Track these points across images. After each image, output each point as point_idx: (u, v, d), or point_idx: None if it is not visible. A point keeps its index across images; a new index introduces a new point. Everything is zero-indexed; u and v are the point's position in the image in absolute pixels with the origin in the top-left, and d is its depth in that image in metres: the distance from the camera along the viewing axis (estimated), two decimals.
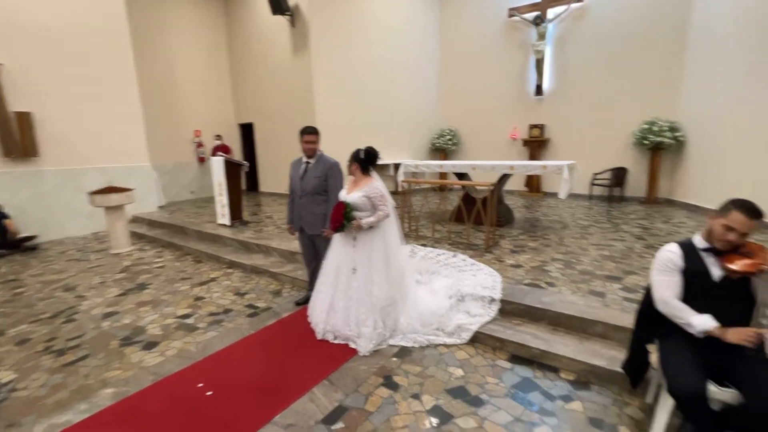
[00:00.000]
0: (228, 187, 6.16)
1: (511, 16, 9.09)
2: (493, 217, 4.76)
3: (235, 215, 6.32)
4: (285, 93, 9.25)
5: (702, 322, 1.76)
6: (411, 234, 5.30)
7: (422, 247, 4.55)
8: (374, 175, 3.01)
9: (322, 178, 3.24)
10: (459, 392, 2.39)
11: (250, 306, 3.77)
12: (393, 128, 9.86)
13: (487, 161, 6.00)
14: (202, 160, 10.17)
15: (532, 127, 9.14)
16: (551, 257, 4.26)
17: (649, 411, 2.14)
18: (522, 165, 5.43)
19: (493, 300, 3.22)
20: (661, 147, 7.43)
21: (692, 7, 7.14)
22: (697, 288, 1.85)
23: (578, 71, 8.53)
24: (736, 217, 1.75)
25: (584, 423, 2.12)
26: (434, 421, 2.15)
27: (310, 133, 3.27)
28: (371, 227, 2.93)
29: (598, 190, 8.34)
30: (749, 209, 1.73)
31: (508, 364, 2.68)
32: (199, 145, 10.14)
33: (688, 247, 1.93)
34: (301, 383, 2.51)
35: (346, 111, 9.01)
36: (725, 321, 1.75)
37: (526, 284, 3.49)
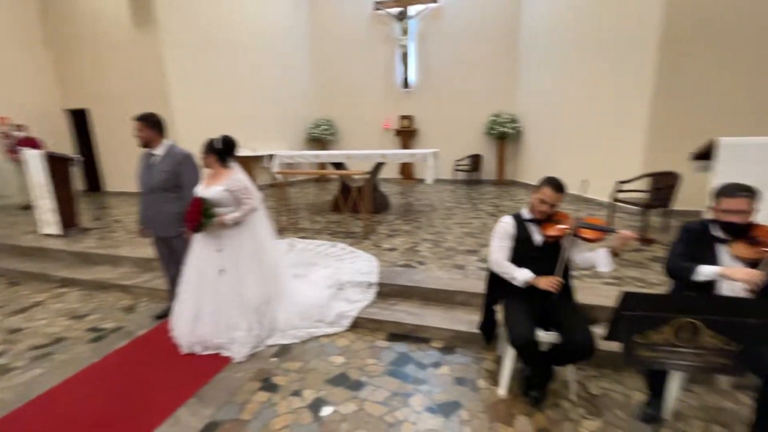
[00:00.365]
0: (55, 187, 4.96)
1: (376, 9, 9.41)
2: (370, 205, 4.92)
3: (69, 222, 5.15)
4: (129, 75, 7.85)
5: (522, 275, 2.14)
6: (290, 227, 5.12)
7: (301, 240, 4.44)
8: (234, 166, 2.77)
9: (171, 173, 2.84)
10: (340, 379, 2.42)
11: (94, 329, 3.14)
12: (267, 119, 9.33)
13: (361, 151, 6.15)
14: (12, 153, 7.94)
15: (403, 117, 9.74)
16: (422, 238, 4.62)
17: (500, 361, 2.50)
18: (393, 154, 5.73)
19: (370, 284, 3.33)
20: (505, 136, 8.73)
21: (521, 10, 8.47)
22: (524, 250, 2.23)
23: (438, 66, 9.36)
24: (546, 192, 2.15)
25: (451, 383, 2.37)
26: (315, 413, 2.13)
27: (137, 119, 2.80)
28: (237, 223, 2.71)
29: (460, 175, 9.40)
30: (555, 185, 2.14)
31: (386, 343, 2.82)
32: (5, 136, 7.90)
33: (518, 218, 2.30)
34: (163, 407, 2.19)
35: (209, 98, 8.13)
36: (546, 267, 2.14)
37: (400, 265, 3.71)
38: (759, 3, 4.83)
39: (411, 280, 3.35)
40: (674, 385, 2.04)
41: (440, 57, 9.25)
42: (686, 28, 5.06)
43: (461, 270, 3.56)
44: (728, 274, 1.75)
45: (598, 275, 3.36)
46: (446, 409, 2.16)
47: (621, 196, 4.83)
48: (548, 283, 2.09)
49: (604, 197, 5.04)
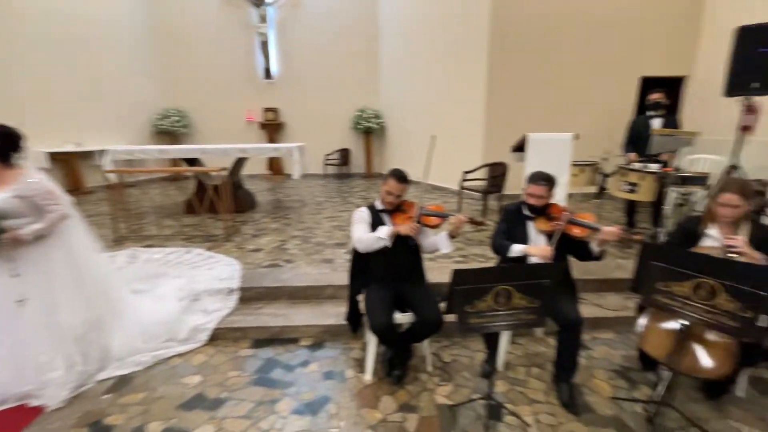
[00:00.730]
0: None
1: None
2: (230, 204, 4.53)
3: None
4: None
5: (383, 231, 2.21)
6: (132, 235, 4.35)
7: (147, 249, 3.82)
8: (27, 165, 2.18)
9: None
10: (195, 401, 2.16)
11: None
12: (95, 109, 7.68)
13: (218, 145, 5.60)
14: None
15: (267, 110, 9.24)
16: (291, 235, 4.48)
17: (366, 348, 2.59)
18: (254, 148, 5.38)
19: (231, 290, 3.07)
20: (370, 131, 9.09)
21: (378, 9, 8.85)
22: None
23: (302, 57, 9.14)
24: (391, 183, 2.29)
25: (320, 380, 2.36)
26: None
27: None
28: (42, 236, 2.15)
29: (330, 169, 9.44)
30: (399, 176, 2.30)
31: (250, 351, 2.64)
32: None
33: (372, 209, 2.40)
34: None
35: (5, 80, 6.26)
36: (398, 255, 2.29)
37: (266, 266, 3.52)
38: (566, 18, 6.05)
39: (277, 280, 3.21)
40: (504, 342, 2.44)
41: (303, 48, 9.05)
42: (507, 36, 6.03)
43: (330, 264, 3.57)
44: (529, 251, 2.23)
45: (449, 255, 3.78)
46: (314, 406, 2.13)
47: (466, 184, 5.54)
48: (408, 228, 2.19)
49: (455, 185, 5.70)
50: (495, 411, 2.08)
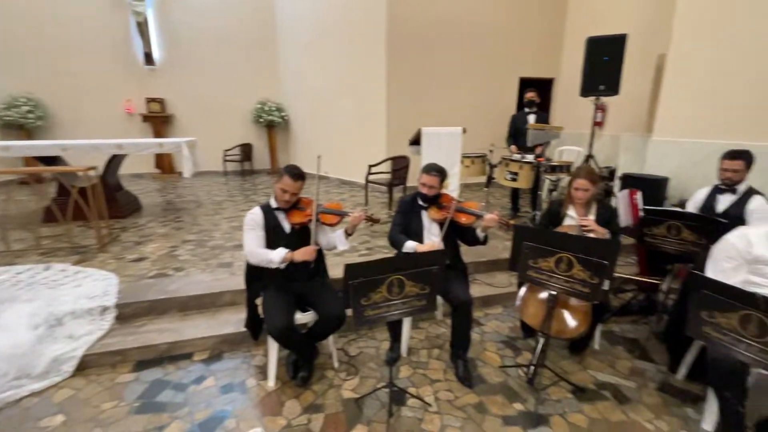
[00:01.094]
0: None
1: None
2: (103, 209, 3.91)
3: None
4: None
5: (277, 255, 2.13)
6: None
7: None
8: None
9: None
10: None
11: None
12: None
13: (86, 140, 4.79)
14: None
15: (150, 100, 8.18)
16: (183, 240, 4.06)
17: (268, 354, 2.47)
18: (133, 144, 4.73)
19: (106, 309, 2.66)
20: (273, 124, 8.67)
21: (274, 2, 8.43)
22: (276, 238, 2.23)
23: (192, 43, 8.26)
24: (286, 181, 2.19)
25: (217, 395, 2.17)
26: None
27: None
28: None
29: (231, 166, 8.78)
30: (293, 174, 2.21)
31: (131, 376, 2.32)
32: None
33: (266, 208, 2.27)
34: None
35: None
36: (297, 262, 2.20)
37: (151, 277, 3.12)
38: (454, 23, 6.45)
39: (165, 291, 2.87)
40: (406, 329, 2.54)
41: (192, 32, 8.16)
42: (402, 36, 6.24)
43: (228, 268, 3.32)
44: (419, 249, 2.32)
45: (356, 249, 3.81)
46: (210, 425, 1.96)
47: (372, 177, 5.64)
48: (304, 254, 2.14)
49: (361, 179, 5.75)
50: (398, 396, 2.15)
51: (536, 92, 4.80)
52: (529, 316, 2.36)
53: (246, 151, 8.78)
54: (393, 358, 2.47)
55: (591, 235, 2.29)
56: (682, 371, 2.32)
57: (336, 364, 2.43)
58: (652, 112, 4.88)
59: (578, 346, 2.57)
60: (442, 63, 6.62)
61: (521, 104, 5.44)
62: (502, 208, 5.29)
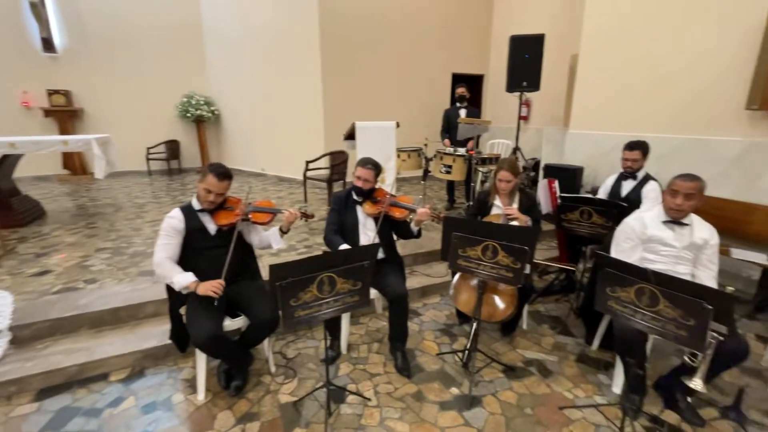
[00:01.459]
0: None
1: None
2: None
3: None
4: None
5: (181, 280, 1.95)
6: None
7: None
8: None
9: None
10: None
11: None
12: None
13: None
14: None
15: (53, 92, 7.23)
16: (96, 248, 3.65)
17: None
18: (31, 142, 4.15)
19: None
20: (202, 119, 8.11)
21: None
22: (198, 241, 2.08)
23: (102, 29, 7.41)
24: (211, 180, 2.04)
25: (137, 416, 1.98)
26: None
27: None
28: None
29: (156, 165, 8.08)
30: (219, 172, 2.06)
31: (32, 407, 2.04)
32: None
33: (188, 210, 2.10)
34: None
35: None
36: (224, 255, 2.03)
37: (56, 292, 2.77)
38: (387, 20, 6.46)
39: (73, 307, 2.56)
40: (345, 325, 2.51)
41: (100, 17, 7.28)
42: (336, 31, 6.14)
43: (151, 276, 3.04)
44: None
45: (294, 248, 3.70)
46: None
47: (310, 174, 5.51)
48: (207, 289, 1.91)
49: (300, 176, 5.59)
50: (337, 395, 2.13)
51: (466, 87, 4.98)
52: (461, 303, 2.45)
53: (172, 148, 8.13)
54: (332, 357, 2.44)
55: (515, 222, 2.43)
56: (596, 342, 2.57)
57: (273, 369, 2.34)
58: (568, 107, 5.31)
59: (508, 327, 2.73)
60: (378, 58, 6.63)
61: (454, 99, 5.63)
62: (440, 200, 5.46)
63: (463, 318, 2.87)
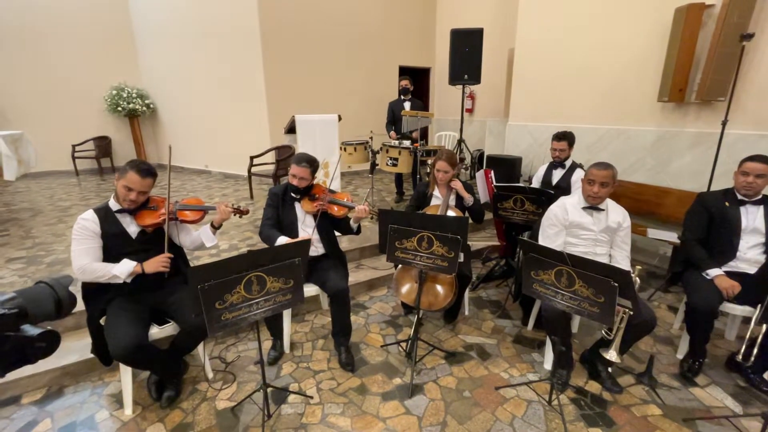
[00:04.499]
0: None
1: None
2: None
3: None
4: None
5: (123, 268, 1.85)
6: None
7: None
8: None
9: None
10: None
11: None
12: None
13: None
14: None
15: None
16: (8, 258, 3.29)
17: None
18: None
19: None
20: (136, 114, 7.53)
21: None
22: (119, 245, 1.93)
23: (7, 15, 6.61)
24: (132, 177, 1.90)
25: None
26: None
27: None
28: None
29: (84, 164, 7.40)
30: (141, 169, 1.91)
31: None
32: None
33: (104, 212, 1.94)
34: None
35: None
36: (149, 257, 1.94)
37: None
38: (332, 7, 6.31)
39: None
40: (287, 324, 2.46)
41: (3, 2, 6.51)
42: (277, 25, 5.93)
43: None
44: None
45: (236, 246, 3.55)
46: None
47: (256, 169, 5.31)
48: (156, 265, 1.90)
49: (245, 171, 5.37)
50: (278, 395, 2.08)
51: (409, 80, 5.02)
52: (403, 295, 2.49)
53: (102, 145, 7.48)
54: (275, 357, 2.38)
55: (462, 193, 2.55)
56: (531, 323, 2.71)
57: (210, 375, 2.24)
58: (508, 99, 5.53)
59: (450, 315, 2.80)
60: (324, 50, 6.49)
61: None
62: (389, 193, 5.49)
63: (408, 308, 2.91)
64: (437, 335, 2.67)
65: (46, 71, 7.00)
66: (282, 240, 2.26)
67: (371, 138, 4.64)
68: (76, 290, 1.79)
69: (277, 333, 2.42)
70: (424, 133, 6.69)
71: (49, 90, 7.07)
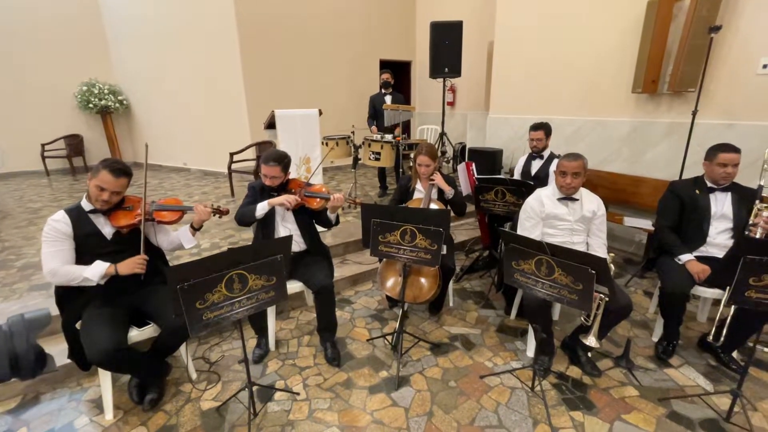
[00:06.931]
0: None
1: None
2: None
3: None
4: None
5: (95, 271, 1.79)
6: None
7: None
8: None
9: None
10: None
11: None
12: None
13: None
14: None
15: None
16: None
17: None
18: None
19: None
20: (108, 111, 7.28)
21: None
22: (93, 247, 1.87)
23: None
24: (105, 177, 1.83)
25: None
26: None
27: None
28: None
29: (55, 163, 7.13)
30: (115, 168, 1.85)
31: None
32: None
33: (76, 212, 1.88)
34: None
35: None
36: (126, 258, 1.88)
37: None
38: (298, 12, 6.21)
39: None
40: (271, 322, 2.44)
41: None
42: (254, 20, 5.80)
43: (45, 290, 2.70)
44: (272, 202, 2.23)
45: (217, 245, 3.49)
46: None
47: (236, 166, 5.22)
48: (131, 266, 1.85)
49: (225, 168, 5.27)
50: (264, 393, 2.07)
51: (390, 73, 5.00)
52: (388, 288, 2.50)
53: (74, 143, 7.21)
54: (260, 355, 2.35)
55: (442, 186, 2.56)
56: (514, 312, 2.77)
57: (194, 375, 2.21)
58: (488, 92, 5.57)
59: (435, 306, 2.83)
60: (303, 45, 6.39)
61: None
62: (372, 188, 5.48)
63: (392, 302, 2.92)
64: (422, 327, 2.69)
65: (9, 69, 6.67)
66: (260, 206, 2.23)
67: (353, 132, 4.61)
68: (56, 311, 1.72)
69: (261, 331, 2.40)
70: (407, 127, 6.69)
71: (14, 89, 6.75)
